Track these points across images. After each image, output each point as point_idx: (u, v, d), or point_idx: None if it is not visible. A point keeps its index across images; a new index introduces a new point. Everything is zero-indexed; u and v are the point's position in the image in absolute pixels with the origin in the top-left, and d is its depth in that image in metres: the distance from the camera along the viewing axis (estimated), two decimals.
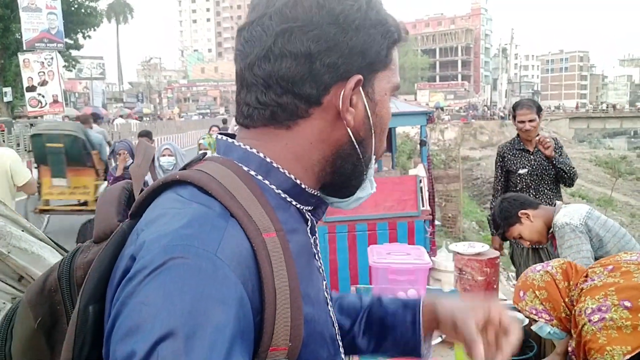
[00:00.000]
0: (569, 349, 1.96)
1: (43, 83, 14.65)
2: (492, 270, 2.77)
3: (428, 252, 4.22)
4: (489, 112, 55.96)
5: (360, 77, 0.73)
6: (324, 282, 0.82)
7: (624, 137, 62.54)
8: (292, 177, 0.75)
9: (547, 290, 1.97)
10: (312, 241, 0.81)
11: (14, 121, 21.40)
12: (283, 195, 0.75)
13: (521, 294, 2.06)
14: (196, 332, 0.55)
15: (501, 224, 2.62)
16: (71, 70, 38.01)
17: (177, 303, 0.56)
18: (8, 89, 24.34)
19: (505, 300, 4.97)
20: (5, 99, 24.82)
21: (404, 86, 75.46)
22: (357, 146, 0.77)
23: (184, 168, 0.76)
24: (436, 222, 5.34)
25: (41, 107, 14.72)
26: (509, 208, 2.59)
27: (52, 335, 0.75)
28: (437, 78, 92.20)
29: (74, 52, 31.98)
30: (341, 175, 0.79)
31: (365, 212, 4.06)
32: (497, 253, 2.94)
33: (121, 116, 35.60)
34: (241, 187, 0.70)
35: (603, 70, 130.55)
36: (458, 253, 2.89)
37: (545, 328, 2.03)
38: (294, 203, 0.77)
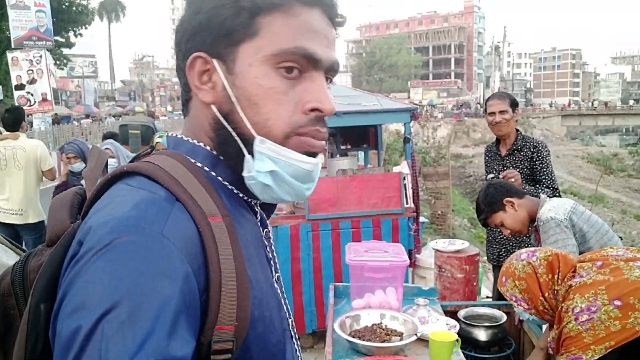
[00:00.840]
0: (548, 339, 1.94)
1: (32, 81, 14.55)
2: (472, 267, 2.77)
3: (413, 250, 4.22)
4: (482, 109, 55.96)
5: (197, 54, 0.75)
6: (277, 274, 0.84)
7: (615, 135, 62.92)
8: (214, 152, 0.79)
9: (526, 282, 1.96)
10: (263, 233, 0.83)
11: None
12: (230, 187, 0.78)
13: (503, 279, 2.06)
14: (141, 306, 0.56)
15: (485, 209, 2.57)
16: (63, 69, 37.76)
17: (122, 278, 0.57)
18: None
19: (490, 298, 4.99)
20: None
21: (397, 84, 75.54)
22: (223, 121, 0.76)
23: (133, 161, 0.78)
24: (423, 220, 5.31)
25: (30, 106, 14.61)
26: (495, 194, 2.54)
27: (6, 340, 0.75)
28: (430, 76, 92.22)
29: (65, 51, 31.75)
30: (224, 154, 0.78)
31: (349, 210, 4.04)
32: (476, 250, 2.94)
33: (113, 116, 35.19)
34: (187, 175, 0.72)
35: (595, 68, 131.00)
36: (437, 250, 2.89)
37: (524, 314, 2.04)
38: (240, 195, 0.79)
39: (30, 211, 4.64)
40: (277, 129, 0.75)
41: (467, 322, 2.41)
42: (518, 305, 2.00)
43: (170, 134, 0.83)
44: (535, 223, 2.45)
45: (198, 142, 0.79)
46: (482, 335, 2.38)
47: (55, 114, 16.28)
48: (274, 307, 0.78)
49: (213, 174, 0.77)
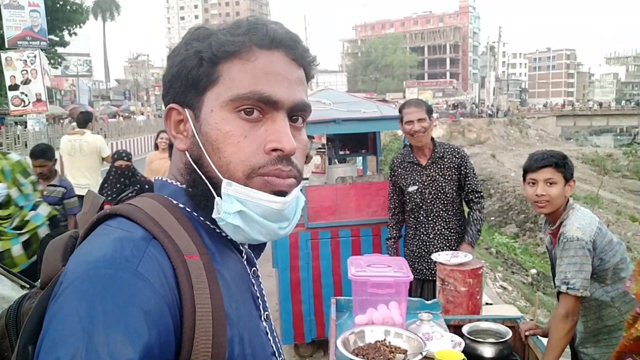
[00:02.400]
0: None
1: (26, 82, 14.40)
2: (475, 281, 2.72)
3: None
4: (477, 110, 56.06)
5: (171, 105, 0.81)
6: (265, 313, 0.85)
7: (610, 135, 63.11)
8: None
9: None
10: (250, 272, 0.85)
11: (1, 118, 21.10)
12: (212, 226, 0.80)
13: None
14: (115, 339, 0.58)
15: (560, 163, 2.32)
16: (57, 68, 37.55)
17: (97, 310, 0.59)
18: None
19: (491, 304, 4.96)
20: None
21: (392, 84, 75.58)
22: (193, 164, 0.80)
23: (117, 203, 0.82)
24: None
25: (24, 106, 14.47)
26: (572, 166, 2.39)
27: None
28: (426, 76, 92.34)
29: (59, 49, 31.59)
30: (196, 197, 0.81)
31: (348, 218, 3.99)
32: (480, 263, 2.89)
33: (110, 117, 34.93)
34: (166, 215, 0.75)
35: (590, 68, 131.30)
36: (440, 263, 2.84)
37: None
38: (223, 234, 0.81)
39: (92, 186, 6.01)
40: (237, 171, 0.77)
41: (472, 338, 2.37)
42: None
43: (156, 178, 0.87)
44: (555, 227, 2.37)
45: (181, 185, 0.82)
46: (487, 351, 2.33)
47: (51, 114, 16.19)
48: (258, 345, 0.78)
49: (195, 214, 0.80)
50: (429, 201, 3.39)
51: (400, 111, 3.42)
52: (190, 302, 0.67)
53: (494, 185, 25.38)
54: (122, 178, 4.91)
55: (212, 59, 0.77)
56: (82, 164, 6.35)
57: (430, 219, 3.40)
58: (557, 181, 2.31)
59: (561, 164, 2.32)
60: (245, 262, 0.85)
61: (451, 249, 3.29)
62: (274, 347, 0.84)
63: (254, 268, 0.86)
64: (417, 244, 3.45)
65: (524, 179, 2.42)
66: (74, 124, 7.30)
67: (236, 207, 0.76)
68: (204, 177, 0.79)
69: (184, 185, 0.82)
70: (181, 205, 0.79)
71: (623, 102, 76.36)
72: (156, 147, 6.45)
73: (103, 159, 6.47)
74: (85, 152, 6.36)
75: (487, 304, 4.70)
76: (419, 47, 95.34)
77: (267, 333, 0.83)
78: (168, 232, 0.72)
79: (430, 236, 3.41)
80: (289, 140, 0.78)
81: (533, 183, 2.37)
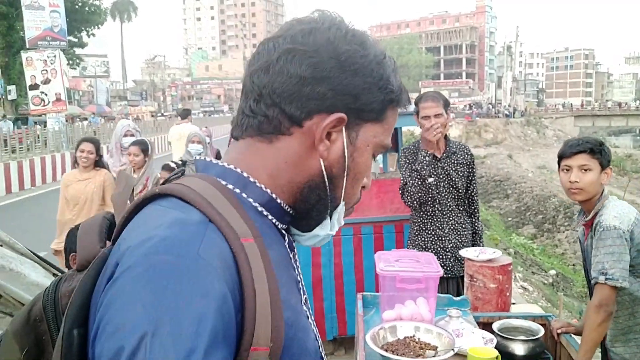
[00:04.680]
0: None
1: (46, 81, 14.63)
2: (505, 277, 2.67)
3: None
4: (493, 110, 55.65)
5: (343, 115, 0.76)
6: (304, 297, 0.85)
7: (629, 135, 62.19)
8: (269, 191, 0.79)
9: None
10: (291, 256, 0.84)
11: (18, 120, 21.39)
12: (260, 208, 0.78)
13: None
14: (181, 326, 0.58)
15: (598, 150, 2.27)
16: (75, 68, 38.07)
17: (161, 299, 0.59)
18: (12, 87, 24.35)
19: (514, 303, 4.88)
20: (10, 97, 24.82)
21: (408, 84, 75.22)
22: (326, 180, 0.80)
23: (164, 184, 0.79)
24: None
25: (44, 106, 14.71)
26: (609, 153, 2.32)
27: None
28: (442, 76, 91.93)
29: (78, 50, 32.02)
30: (304, 204, 0.81)
31: (371, 214, 3.95)
32: (509, 259, 2.83)
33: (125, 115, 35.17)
34: (219, 197, 0.73)
35: (608, 68, 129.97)
36: (469, 259, 2.79)
37: None
38: (269, 217, 0.80)
39: None
40: (350, 202, 0.86)
41: (503, 335, 2.32)
42: None
43: (198, 158, 0.84)
44: (589, 217, 2.30)
45: (234, 168, 0.79)
46: (519, 349, 2.28)
47: (70, 113, 16.38)
48: (306, 328, 0.78)
49: (244, 195, 0.77)
50: (443, 195, 3.29)
51: (416, 104, 3.29)
52: (251, 287, 0.66)
53: (511, 186, 25.15)
54: None
55: (392, 101, 0.81)
56: (181, 149, 7.16)
57: (444, 213, 3.30)
58: (592, 168, 2.25)
59: (597, 150, 2.25)
60: (287, 246, 0.84)
61: (464, 246, 3.22)
62: (315, 332, 0.83)
63: (294, 252, 0.86)
64: (431, 239, 3.32)
65: (559, 166, 2.36)
66: (179, 117, 9.56)
67: (328, 229, 0.84)
68: (329, 194, 0.81)
69: (266, 187, 0.79)
70: (230, 187, 0.77)
71: (638, 102, 75.20)
72: (75, 163, 4.70)
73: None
74: (183, 139, 7.10)
75: (512, 303, 4.63)
76: (434, 47, 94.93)
77: (308, 317, 0.82)
78: (222, 215, 0.70)
79: (445, 231, 3.29)
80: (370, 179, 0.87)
81: (567, 169, 2.30)
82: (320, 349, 0.83)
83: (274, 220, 0.80)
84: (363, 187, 0.86)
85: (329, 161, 0.79)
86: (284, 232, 0.84)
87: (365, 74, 0.77)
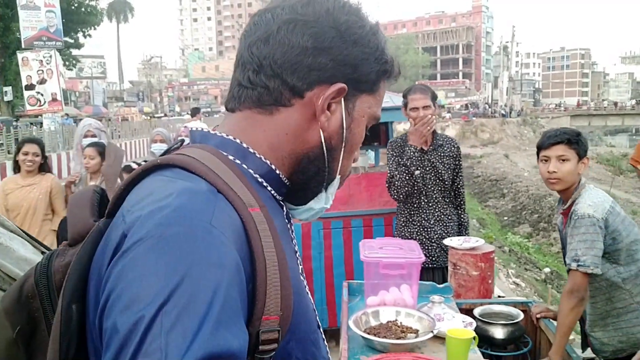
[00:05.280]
0: None
1: (42, 81, 14.63)
2: (487, 265, 2.74)
3: None
4: (490, 110, 55.74)
5: (344, 86, 0.77)
6: (301, 267, 0.85)
7: (625, 135, 62.30)
8: (268, 162, 0.78)
9: None
10: (289, 226, 0.84)
11: (15, 120, 21.38)
12: (260, 179, 0.78)
13: None
14: (197, 295, 0.56)
15: (574, 140, 2.33)
16: (72, 69, 38.01)
17: (175, 269, 0.57)
18: (8, 88, 24.33)
19: (503, 297, 4.95)
20: (6, 98, 24.82)
21: (404, 84, 74.85)
22: (325, 152, 0.80)
23: (163, 155, 0.78)
24: None
25: (40, 106, 14.71)
26: (587, 143, 2.39)
27: (30, 344, 0.74)
28: (438, 76, 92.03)
29: (74, 51, 31.97)
30: (303, 175, 0.82)
31: (360, 208, 4.02)
32: (492, 247, 2.90)
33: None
34: (222, 167, 0.72)
35: (604, 67, 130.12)
36: (452, 247, 2.86)
37: None
38: (269, 188, 0.79)
39: None
40: (345, 174, 0.86)
41: (484, 319, 2.39)
42: None
43: (194, 128, 0.83)
44: (567, 206, 2.37)
45: (234, 139, 0.78)
46: (498, 333, 2.35)
47: (66, 114, 16.44)
48: (306, 298, 0.79)
49: (245, 166, 0.77)
50: (429, 187, 3.36)
51: (404, 96, 3.36)
52: (262, 256, 0.66)
53: (507, 185, 25.19)
54: None
55: (387, 73, 0.82)
56: None
57: (430, 204, 3.36)
58: (569, 158, 2.32)
59: (574, 141, 2.33)
60: (285, 218, 0.85)
61: (449, 236, 3.26)
62: (313, 304, 0.84)
63: (291, 223, 0.86)
64: (417, 230, 3.38)
65: (538, 157, 2.43)
66: (188, 116, 9.88)
67: (323, 203, 0.85)
68: (327, 167, 0.81)
69: (265, 159, 0.79)
70: (231, 157, 0.76)
71: (634, 101, 75.33)
72: (16, 167, 4.14)
73: None
74: None
75: (499, 297, 4.70)
76: (431, 47, 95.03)
77: (306, 286, 0.83)
78: (229, 184, 0.69)
79: (431, 222, 3.35)
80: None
81: (546, 160, 2.38)
82: (317, 319, 0.83)
83: (272, 192, 0.80)
84: (354, 160, 0.87)
85: (328, 132, 0.79)
86: (282, 203, 0.84)
87: (364, 44, 0.78)
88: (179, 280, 0.56)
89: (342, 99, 0.78)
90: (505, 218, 20.86)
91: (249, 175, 0.77)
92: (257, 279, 0.65)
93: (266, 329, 0.64)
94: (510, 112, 52.44)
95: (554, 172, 2.32)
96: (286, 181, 0.81)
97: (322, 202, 0.86)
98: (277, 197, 0.82)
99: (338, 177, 0.84)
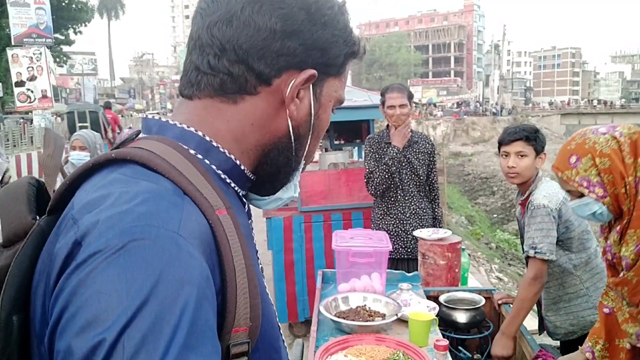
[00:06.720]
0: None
1: (32, 78, 14.63)
2: (454, 254, 2.88)
3: None
4: (481, 108, 56.02)
5: (314, 72, 0.72)
6: (261, 266, 0.82)
7: None
8: (232, 157, 0.73)
9: (610, 160, 1.64)
10: (249, 223, 0.80)
11: (5, 117, 21.29)
12: (223, 176, 0.73)
13: (573, 159, 1.72)
14: (163, 317, 0.51)
15: (532, 137, 2.45)
16: (62, 66, 37.80)
17: (140, 287, 0.51)
18: None
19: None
20: None
21: (396, 82, 75.23)
22: (293, 141, 0.75)
23: (117, 148, 0.70)
24: None
25: (30, 102, 14.70)
26: (544, 139, 2.51)
27: None
28: (430, 74, 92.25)
29: (65, 48, 31.83)
30: (270, 167, 0.77)
31: (340, 202, 4.16)
32: (459, 238, 3.05)
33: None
34: (185, 163, 0.65)
35: (595, 66, 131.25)
36: (421, 238, 3.00)
37: (592, 206, 1.70)
38: (232, 185, 0.74)
39: None
40: (309, 162, 0.83)
41: (448, 305, 2.53)
42: (590, 192, 1.68)
43: (149, 116, 0.74)
44: (524, 197, 2.50)
45: (195, 131, 0.71)
46: (461, 317, 2.49)
47: (57, 111, 16.44)
48: (268, 301, 0.73)
49: (207, 161, 0.71)
50: (405, 181, 3.52)
51: (382, 94, 3.52)
52: (231, 265, 0.61)
53: (497, 183, 25.40)
54: None
55: (354, 54, 0.78)
56: None
57: (407, 198, 3.53)
58: (527, 154, 2.47)
59: (532, 137, 2.48)
60: (247, 215, 0.80)
61: (424, 228, 3.44)
62: (273, 304, 0.79)
63: (251, 220, 0.81)
64: (394, 223, 3.54)
65: (499, 152, 2.58)
66: None
67: (291, 192, 0.83)
68: (294, 155, 0.77)
69: (229, 153, 0.73)
70: (192, 152, 0.69)
71: (624, 100, 75.93)
72: None
73: None
74: None
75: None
76: (423, 46, 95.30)
77: (266, 287, 0.76)
78: (194, 184, 0.63)
79: (407, 215, 3.52)
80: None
81: (506, 155, 2.53)
82: (276, 320, 0.78)
83: (236, 188, 0.75)
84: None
85: (296, 121, 0.74)
86: (244, 199, 0.79)
87: (333, 25, 0.73)
88: (143, 299, 0.50)
89: (310, 85, 0.73)
90: (495, 215, 21.06)
91: (212, 171, 0.71)
92: (228, 290, 0.60)
93: (236, 342, 0.61)
94: (502, 111, 52.70)
95: (513, 167, 2.47)
96: (251, 176, 0.77)
97: (291, 191, 0.83)
98: (240, 192, 0.77)
99: (302, 162, 0.81)
